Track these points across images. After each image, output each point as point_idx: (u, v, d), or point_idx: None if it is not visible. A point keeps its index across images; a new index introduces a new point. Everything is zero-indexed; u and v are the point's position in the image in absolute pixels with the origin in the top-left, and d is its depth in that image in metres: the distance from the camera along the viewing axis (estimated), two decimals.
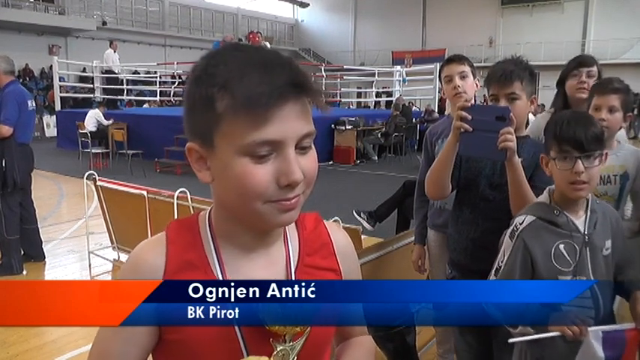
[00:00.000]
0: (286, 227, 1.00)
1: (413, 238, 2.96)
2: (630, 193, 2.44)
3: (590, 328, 1.48)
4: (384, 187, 7.60)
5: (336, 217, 3.10)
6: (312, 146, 0.90)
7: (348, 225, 3.27)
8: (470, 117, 1.90)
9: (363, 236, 3.45)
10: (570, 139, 1.63)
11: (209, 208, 0.99)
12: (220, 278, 0.92)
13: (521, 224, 1.74)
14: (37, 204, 5.48)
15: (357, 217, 5.65)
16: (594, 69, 2.77)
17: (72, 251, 5.71)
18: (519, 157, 1.93)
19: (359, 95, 22.45)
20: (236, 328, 0.89)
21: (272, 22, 36.46)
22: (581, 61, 2.81)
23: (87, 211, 5.38)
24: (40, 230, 5.40)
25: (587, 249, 1.68)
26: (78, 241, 5.89)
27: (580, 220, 1.70)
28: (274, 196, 0.85)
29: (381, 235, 5.15)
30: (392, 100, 16.52)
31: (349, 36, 35.70)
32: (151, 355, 0.95)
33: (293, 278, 0.97)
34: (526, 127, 2.31)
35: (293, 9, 37.06)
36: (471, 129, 1.88)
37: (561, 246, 1.68)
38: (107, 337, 0.93)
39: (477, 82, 2.69)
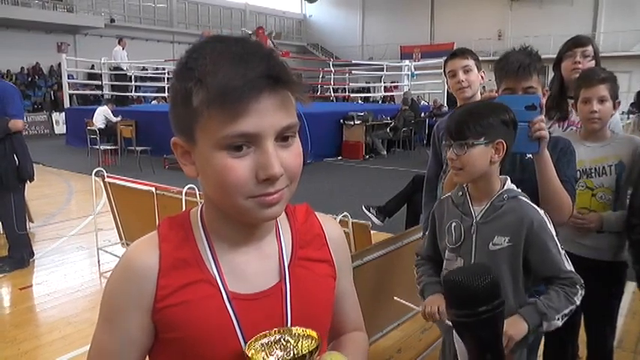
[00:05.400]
0: (278, 220, 0.99)
1: (422, 233, 2.94)
2: (629, 182, 2.40)
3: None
4: (393, 182, 7.56)
5: (345, 213, 3.07)
6: (296, 140, 0.89)
7: (357, 220, 3.24)
8: None
9: (372, 231, 3.43)
10: (446, 129, 1.74)
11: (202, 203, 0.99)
12: (216, 274, 0.91)
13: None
14: (46, 201, 5.51)
15: (367, 212, 5.63)
16: (589, 48, 2.71)
17: (81, 248, 5.73)
18: None
19: (367, 90, 22.39)
20: (235, 325, 0.89)
21: (280, 18, 36.47)
22: (576, 41, 2.75)
23: (95, 207, 5.38)
24: (49, 227, 5.43)
25: (475, 236, 1.71)
26: (87, 237, 5.91)
27: (479, 208, 1.72)
28: (255, 191, 0.83)
29: (390, 230, 5.12)
30: (400, 95, 16.46)
31: (357, 31, 35.65)
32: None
33: (286, 272, 0.96)
34: None
35: (301, 4, 37.03)
36: None
37: (453, 224, 1.77)
38: (103, 338, 0.93)
39: (483, 74, 2.67)
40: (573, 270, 1.65)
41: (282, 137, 0.85)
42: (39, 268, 5.13)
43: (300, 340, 0.89)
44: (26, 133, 14.49)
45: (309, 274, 0.99)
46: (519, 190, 1.73)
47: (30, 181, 5.05)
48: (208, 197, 0.93)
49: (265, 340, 0.87)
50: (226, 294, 0.90)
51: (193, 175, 0.89)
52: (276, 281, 0.95)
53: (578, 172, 2.40)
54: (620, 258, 2.44)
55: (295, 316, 0.94)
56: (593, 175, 2.40)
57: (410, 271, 3.11)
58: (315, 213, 1.09)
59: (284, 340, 0.88)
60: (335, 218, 3.15)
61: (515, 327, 1.58)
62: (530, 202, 1.69)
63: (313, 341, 0.88)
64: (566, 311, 1.62)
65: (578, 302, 1.63)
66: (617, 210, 2.40)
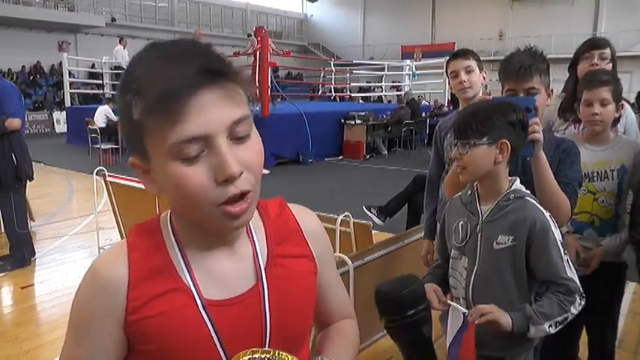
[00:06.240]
0: None
1: (423, 233, 2.95)
2: (630, 186, 2.40)
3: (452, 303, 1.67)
4: (394, 181, 7.57)
5: (347, 212, 3.08)
6: (253, 134, 0.83)
7: (358, 220, 3.24)
8: None
9: (373, 231, 3.43)
10: (452, 128, 1.77)
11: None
12: (189, 281, 0.87)
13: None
14: (47, 200, 5.51)
15: (368, 212, 5.63)
16: (607, 51, 2.69)
17: (82, 247, 5.73)
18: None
19: (368, 89, 22.38)
20: (212, 332, 0.86)
21: (281, 17, 36.43)
22: (593, 43, 2.73)
23: (97, 206, 5.39)
24: (50, 226, 5.42)
25: (480, 235, 1.72)
26: (88, 236, 5.91)
27: (486, 207, 1.73)
28: (218, 197, 0.79)
29: (391, 230, 5.12)
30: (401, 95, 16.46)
31: (358, 30, 35.63)
32: None
33: (263, 273, 0.92)
34: None
35: (302, 4, 37.00)
36: None
37: (461, 223, 1.79)
38: (73, 352, 0.90)
39: (485, 74, 2.67)
40: (574, 279, 1.63)
41: (237, 136, 0.80)
42: (40, 267, 5.13)
43: None
44: (27, 132, 14.49)
45: (287, 273, 0.95)
46: (527, 191, 1.73)
47: (29, 181, 5.05)
48: (175, 211, 0.90)
49: (248, 357, 0.84)
50: (201, 301, 0.86)
51: (157, 194, 0.86)
52: (252, 284, 0.91)
53: None
54: (620, 259, 2.44)
55: (275, 318, 0.91)
56: (595, 179, 2.39)
57: (411, 270, 3.11)
58: (290, 205, 1.04)
59: None
60: (336, 218, 3.16)
61: (501, 314, 1.58)
62: (536, 204, 1.69)
63: None
64: (559, 319, 1.60)
65: (574, 311, 1.62)
66: (619, 214, 2.40)
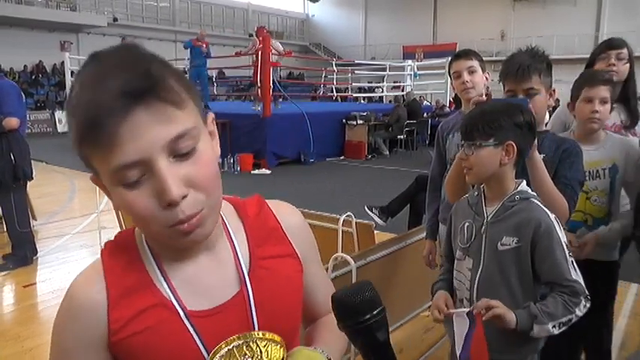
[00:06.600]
0: (226, 220, 0.92)
1: (425, 233, 2.95)
2: (623, 185, 2.40)
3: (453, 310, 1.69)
4: (395, 182, 7.56)
5: (349, 213, 3.08)
6: (201, 146, 0.78)
7: (360, 220, 3.25)
8: None
9: (375, 231, 3.43)
10: (460, 128, 1.76)
11: None
12: (170, 295, 0.84)
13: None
14: (49, 199, 5.51)
15: (369, 212, 5.63)
16: (624, 51, 2.67)
17: (84, 246, 5.74)
18: (540, 153, 1.86)
19: (369, 90, 22.38)
20: (199, 344, 0.84)
21: (283, 17, 36.46)
22: (610, 44, 2.72)
23: (98, 205, 5.39)
24: (52, 225, 5.43)
25: (485, 236, 1.71)
26: (90, 235, 5.92)
27: (491, 208, 1.73)
28: (167, 220, 0.75)
29: (393, 230, 5.12)
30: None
31: (360, 30, 35.64)
32: None
33: (246, 278, 0.89)
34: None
35: (303, 4, 37.03)
36: None
37: (466, 224, 1.78)
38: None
39: (487, 75, 2.67)
40: (579, 281, 1.62)
41: (179, 153, 0.75)
42: (42, 266, 5.14)
43: (267, 345, 0.85)
44: (29, 131, 14.50)
45: (271, 275, 0.91)
46: (533, 193, 1.72)
47: (28, 181, 5.04)
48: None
49: (225, 350, 0.83)
50: (184, 314, 0.83)
51: (117, 208, 0.84)
52: (236, 290, 0.88)
53: None
54: (613, 257, 2.45)
55: (262, 323, 0.88)
56: (587, 178, 2.40)
57: (413, 271, 3.12)
58: (268, 202, 1.00)
59: (247, 347, 0.84)
60: (339, 218, 3.17)
61: (506, 310, 1.58)
62: (541, 205, 1.68)
63: (278, 346, 0.86)
64: (564, 320, 1.60)
65: (579, 313, 1.61)
66: (611, 212, 2.41)
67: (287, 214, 1.00)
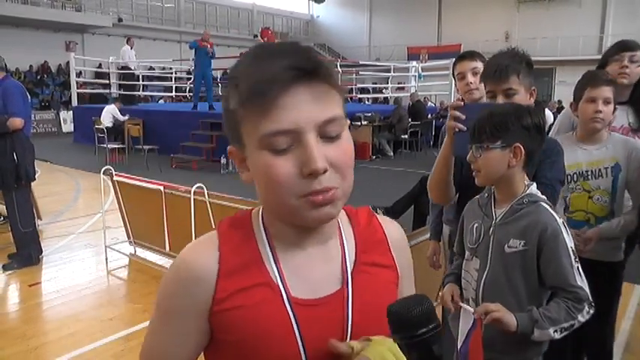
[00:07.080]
0: (340, 223, 0.96)
1: (429, 234, 2.95)
2: (625, 183, 2.40)
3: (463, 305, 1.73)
4: (399, 183, 7.57)
5: None
6: (345, 136, 0.84)
7: None
8: (464, 116, 1.86)
9: None
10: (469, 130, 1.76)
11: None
12: (277, 277, 0.88)
13: None
14: (54, 198, 5.54)
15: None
16: (638, 53, 2.66)
17: (89, 245, 5.77)
18: None
19: (374, 91, 22.39)
20: (296, 331, 0.86)
21: (287, 18, 36.51)
22: (623, 46, 2.71)
23: (103, 205, 5.42)
24: (57, 224, 5.45)
25: (492, 237, 1.73)
26: (95, 235, 5.95)
27: (500, 210, 1.74)
28: (302, 188, 0.80)
29: None
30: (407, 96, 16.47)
31: (364, 31, 35.64)
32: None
33: (349, 278, 0.92)
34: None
35: (308, 5, 37.06)
36: (465, 128, 1.84)
37: (475, 225, 1.80)
38: (157, 337, 0.93)
39: None
40: (583, 287, 1.62)
41: (327, 135, 0.81)
42: (47, 265, 5.17)
43: None
44: (34, 131, 14.57)
45: (371, 281, 0.95)
46: (543, 197, 1.72)
47: (30, 181, 5.04)
48: (263, 202, 0.90)
49: None
50: (288, 299, 0.87)
51: (248, 181, 0.87)
52: (338, 287, 0.92)
53: (575, 175, 2.42)
54: (617, 258, 2.46)
55: (356, 323, 0.91)
56: (589, 177, 2.41)
57: (417, 271, 3.12)
58: (377, 215, 1.05)
59: None
60: None
61: (506, 314, 1.58)
62: (549, 209, 1.68)
63: None
64: (566, 325, 1.60)
65: (582, 319, 1.61)
66: (614, 211, 2.41)
67: (393, 231, 1.04)
